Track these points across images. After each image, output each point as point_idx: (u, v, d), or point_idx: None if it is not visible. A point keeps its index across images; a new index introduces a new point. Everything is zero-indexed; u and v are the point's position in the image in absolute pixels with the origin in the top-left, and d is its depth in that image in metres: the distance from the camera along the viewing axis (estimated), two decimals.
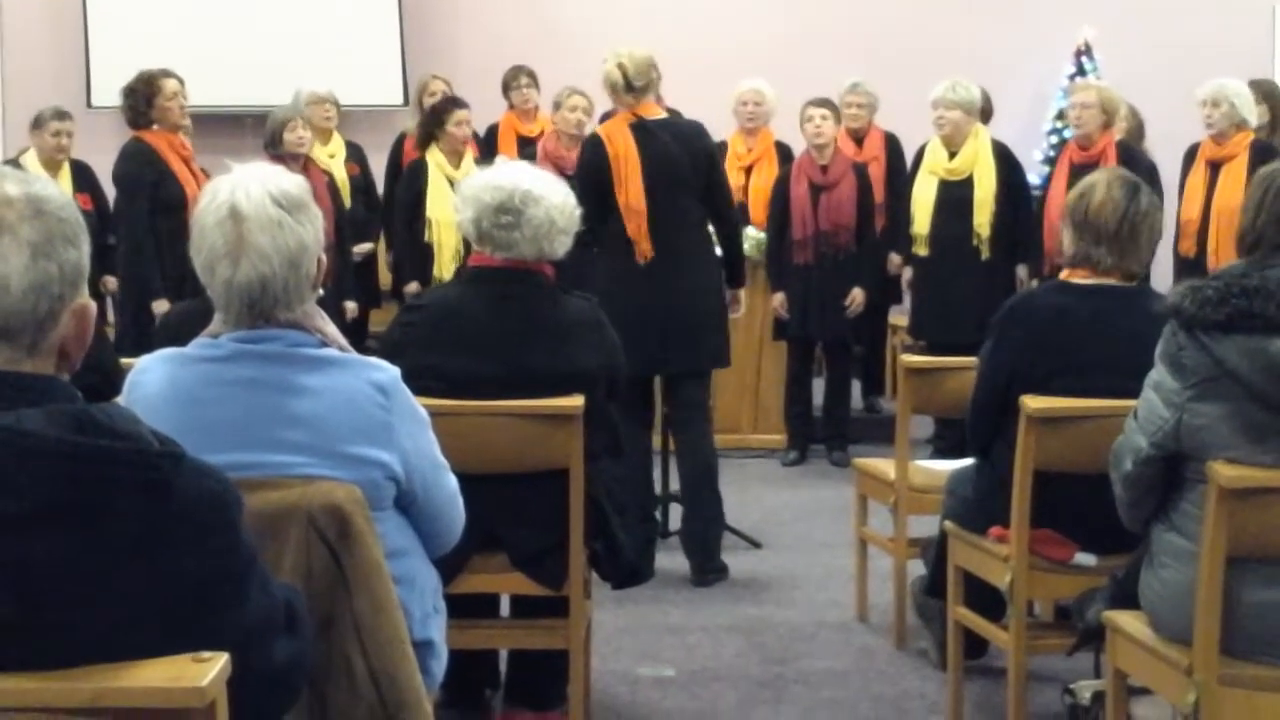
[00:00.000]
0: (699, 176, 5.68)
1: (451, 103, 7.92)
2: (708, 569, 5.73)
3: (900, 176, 8.15)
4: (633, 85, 5.70)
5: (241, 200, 2.52)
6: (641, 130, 5.68)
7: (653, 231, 5.63)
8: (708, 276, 5.75)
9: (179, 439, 1.82)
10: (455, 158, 7.72)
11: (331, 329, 2.66)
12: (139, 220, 6.73)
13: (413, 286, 7.65)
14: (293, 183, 2.58)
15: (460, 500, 2.87)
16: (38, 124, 7.86)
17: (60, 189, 1.85)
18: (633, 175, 5.64)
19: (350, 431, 2.56)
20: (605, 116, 8.47)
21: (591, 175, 5.66)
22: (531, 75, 8.82)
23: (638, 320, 5.50)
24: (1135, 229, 3.89)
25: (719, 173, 5.90)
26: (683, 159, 5.66)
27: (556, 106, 8.15)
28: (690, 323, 5.66)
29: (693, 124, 5.95)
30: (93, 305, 1.85)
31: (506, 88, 8.85)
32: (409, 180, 7.86)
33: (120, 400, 2.61)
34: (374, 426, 2.58)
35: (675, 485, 6.08)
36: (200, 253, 2.56)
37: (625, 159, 5.64)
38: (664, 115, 5.87)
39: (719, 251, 5.85)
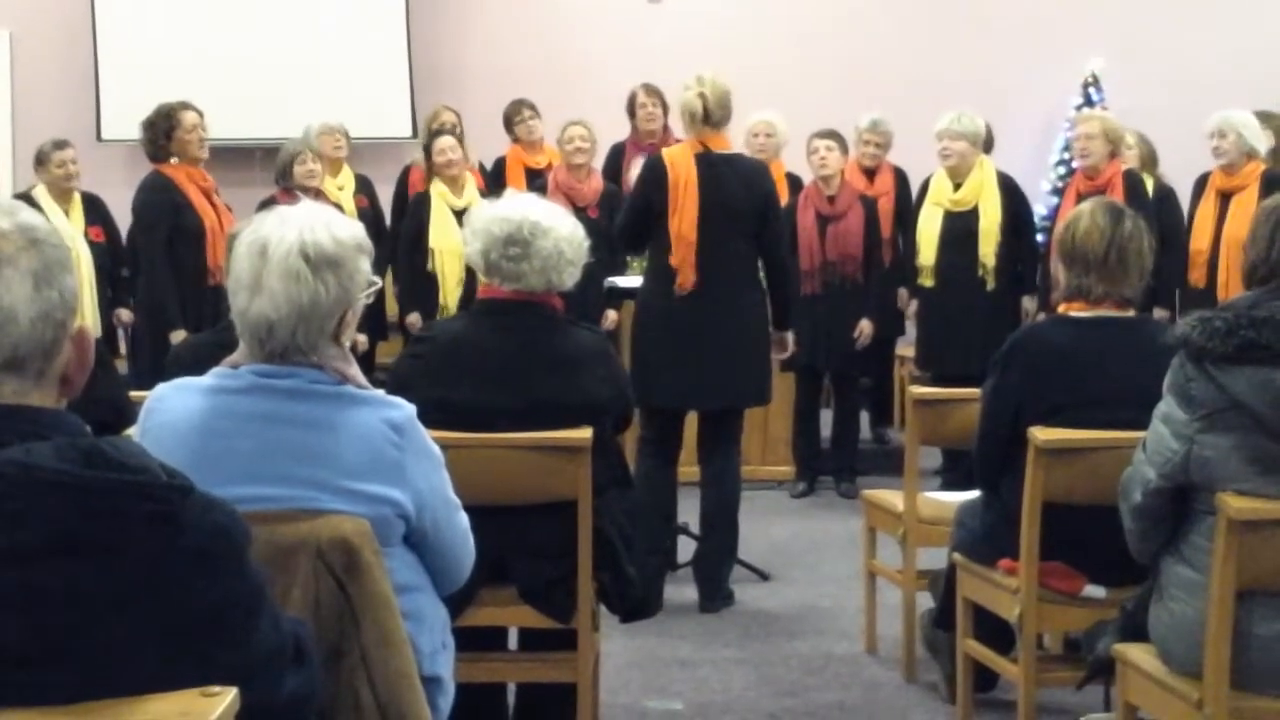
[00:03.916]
0: (755, 216, 5.66)
1: (434, 135, 7.93)
2: (716, 596, 5.75)
3: (909, 212, 8.16)
4: (710, 117, 5.66)
5: (273, 242, 2.53)
6: (706, 162, 5.64)
7: (699, 263, 5.60)
8: (751, 313, 5.72)
9: (191, 469, 1.82)
10: (458, 188, 7.73)
11: (353, 370, 2.65)
12: (158, 251, 6.74)
13: (414, 318, 7.66)
14: (332, 239, 2.55)
15: (471, 539, 2.85)
16: (41, 160, 7.85)
17: (44, 217, 1.85)
18: (689, 204, 5.59)
19: (363, 469, 2.56)
20: (614, 148, 8.53)
21: (646, 195, 5.64)
22: (533, 107, 8.80)
23: (676, 353, 5.49)
24: (1123, 254, 3.89)
25: (776, 215, 5.86)
26: (742, 197, 5.63)
27: (559, 142, 8.18)
28: (730, 359, 5.63)
29: (757, 163, 5.91)
30: (89, 328, 1.86)
31: (509, 122, 8.83)
32: (413, 211, 7.89)
33: (135, 428, 2.63)
34: (387, 465, 2.58)
35: (684, 517, 6.07)
36: (231, 275, 2.59)
37: (685, 187, 5.60)
38: (731, 151, 5.82)
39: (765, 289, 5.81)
